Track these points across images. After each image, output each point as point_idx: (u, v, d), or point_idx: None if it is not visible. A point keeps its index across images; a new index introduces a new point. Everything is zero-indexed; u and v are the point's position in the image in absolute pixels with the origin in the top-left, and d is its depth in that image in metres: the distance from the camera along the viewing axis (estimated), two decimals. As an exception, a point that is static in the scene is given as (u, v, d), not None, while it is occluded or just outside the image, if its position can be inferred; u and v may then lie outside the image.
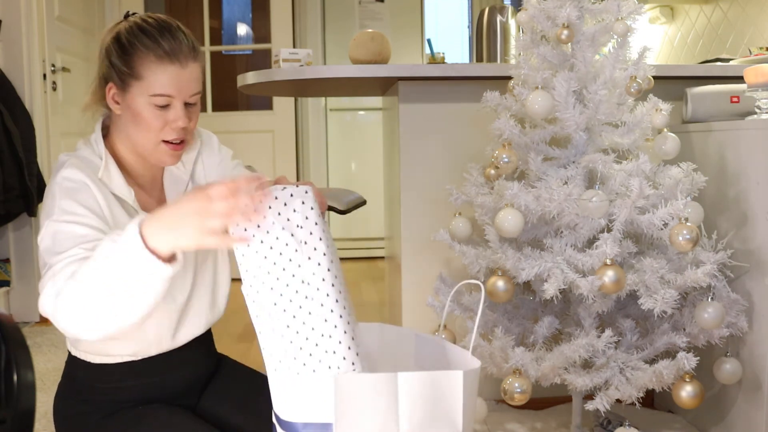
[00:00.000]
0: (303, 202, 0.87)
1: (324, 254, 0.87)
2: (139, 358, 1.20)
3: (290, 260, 0.85)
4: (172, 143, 1.16)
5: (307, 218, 0.87)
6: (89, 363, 1.21)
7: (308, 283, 0.85)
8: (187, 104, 1.15)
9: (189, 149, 1.28)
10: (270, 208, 0.86)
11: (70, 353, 1.26)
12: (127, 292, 0.91)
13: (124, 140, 1.19)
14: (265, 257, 0.86)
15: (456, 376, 0.87)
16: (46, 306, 0.97)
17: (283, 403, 0.85)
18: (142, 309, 0.93)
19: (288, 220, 0.86)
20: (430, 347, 1.07)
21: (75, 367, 1.25)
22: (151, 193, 1.25)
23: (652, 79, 1.69)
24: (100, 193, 1.12)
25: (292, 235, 0.85)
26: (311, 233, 0.87)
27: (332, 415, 0.81)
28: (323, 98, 4.69)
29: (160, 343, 1.20)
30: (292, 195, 0.87)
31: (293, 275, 0.86)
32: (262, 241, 0.86)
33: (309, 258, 0.86)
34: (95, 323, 0.94)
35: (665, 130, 1.68)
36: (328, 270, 0.86)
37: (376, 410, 0.82)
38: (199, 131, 1.32)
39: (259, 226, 0.86)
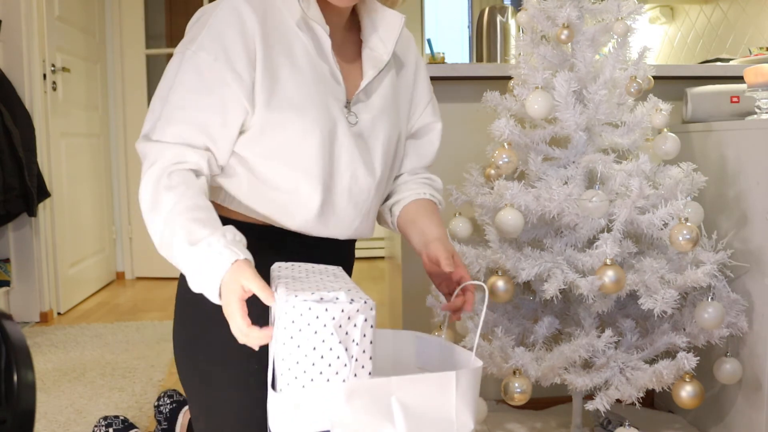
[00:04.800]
0: (366, 319, 0.87)
1: (369, 373, 0.88)
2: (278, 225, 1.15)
3: (337, 373, 0.86)
4: None
5: (364, 335, 0.87)
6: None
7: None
8: None
9: (386, 24, 1.19)
10: (334, 318, 0.85)
11: None
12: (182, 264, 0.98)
13: None
14: (305, 355, 0.86)
15: (449, 378, 0.88)
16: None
17: (278, 419, 0.86)
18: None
19: (346, 333, 0.86)
20: (432, 349, 1.07)
21: None
22: (340, 56, 1.17)
23: (652, 79, 1.69)
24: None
25: (346, 349, 0.86)
26: (364, 351, 0.87)
27: (328, 424, 0.82)
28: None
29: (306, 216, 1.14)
30: (358, 311, 0.87)
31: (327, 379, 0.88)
32: (314, 348, 0.86)
33: (355, 375, 0.87)
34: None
35: (665, 130, 1.68)
36: None
37: (371, 416, 0.83)
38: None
39: (316, 332, 0.86)
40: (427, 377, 0.88)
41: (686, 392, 1.56)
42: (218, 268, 0.93)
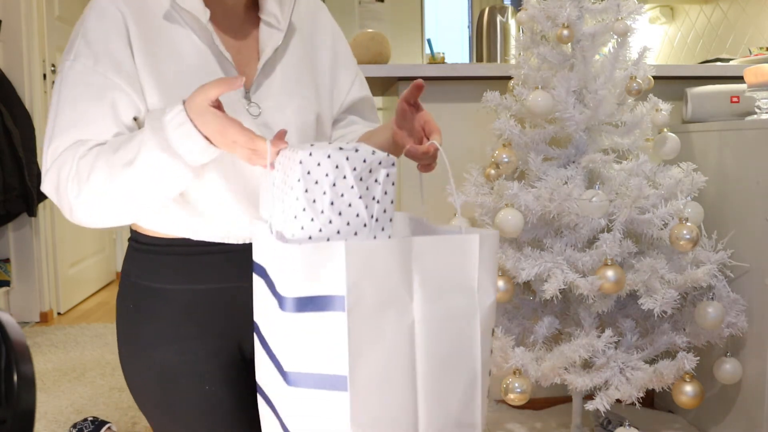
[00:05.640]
0: (388, 175, 0.79)
1: (389, 237, 0.80)
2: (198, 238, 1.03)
3: (356, 234, 0.78)
4: None
5: (386, 193, 0.80)
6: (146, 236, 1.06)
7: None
8: None
9: None
10: (355, 170, 0.77)
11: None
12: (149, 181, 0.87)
13: None
14: (321, 211, 0.77)
15: (472, 240, 0.80)
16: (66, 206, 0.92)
17: (283, 276, 0.75)
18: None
19: (367, 189, 0.78)
20: (425, 229, 0.97)
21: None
22: (236, 38, 1.05)
23: (652, 79, 1.69)
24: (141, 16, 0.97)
25: (366, 207, 0.78)
26: (385, 211, 0.80)
27: (343, 286, 0.72)
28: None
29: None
30: (380, 163, 0.79)
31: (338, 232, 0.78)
32: (332, 202, 0.77)
33: (375, 237, 0.79)
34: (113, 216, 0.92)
35: (665, 130, 1.68)
36: None
37: (388, 278, 0.75)
38: None
39: (335, 185, 0.77)
40: (450, 239, 0.80)
41: (686, 392, 1.56)
42: (180, 121, 0.83)
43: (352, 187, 0.77)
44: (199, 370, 1.01)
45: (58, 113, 0.95)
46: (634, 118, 1.65)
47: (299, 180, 0.76)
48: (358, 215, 0.78)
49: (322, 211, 0.76)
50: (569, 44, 1.66)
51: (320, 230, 0.77)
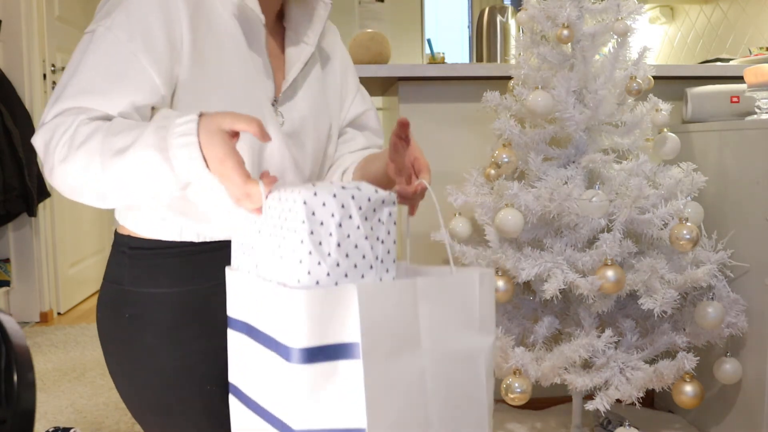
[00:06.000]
0: (390, 214, 0.77)
1: (392, 279, 0.78)
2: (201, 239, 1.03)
3: (363, 276, 0.75)
4: None
5: (389, 233, 0.77)
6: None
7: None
8: None
9: (314, 16, 1.09)
10: (360, 209, 0.74)
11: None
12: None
13: None
14: (328, 254, 0.73)
15: (473, 279, 0.80)
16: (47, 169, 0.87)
17: (289, 325, 0.71)
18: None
19: (371, 229, 0.76)
20: (414, 272, 0.94)
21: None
22: (270, 50, 1.06)
23: (652, 79, 1.69)
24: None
25: (371, 247, 0.76)
26: (389, 252, 0.77)
27: (357, 332, 0.69)
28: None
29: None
30: (383, 202, 0.77)
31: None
32: (339, 244, 0.74)
33: (381, 279, 0.77)
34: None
35: (665, 130, 1.68)
36: None
37: (399, 321, 0.73)
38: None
39: (341, 225, 0.74)
40: (453, 278, 0.79)
41: (686, 392, 1.56)
42: (187, 131, 0.79)
43: (358, 227, 0.74)
44: (200, 372, 1.01)
45: (75, 75, 0.91)
46: (634, 118, 1.65)
47: (303, 222, 0.72)
48: (364, 257, 0.75)
49: (329, 254, 0.73)
50: (569, 44, 1.66)
51: (328, 274, 0.73)
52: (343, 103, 1.20)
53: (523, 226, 1.57)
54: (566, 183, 1.59)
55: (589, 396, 1.60)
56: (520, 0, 1.74)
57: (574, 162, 1.65)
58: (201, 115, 0.81)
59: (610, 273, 1.48)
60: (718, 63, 2.34)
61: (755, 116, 1.77)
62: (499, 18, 2.83)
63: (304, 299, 0.69)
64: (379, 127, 1.24)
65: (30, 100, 3.18)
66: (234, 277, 0.83)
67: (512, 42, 2.81)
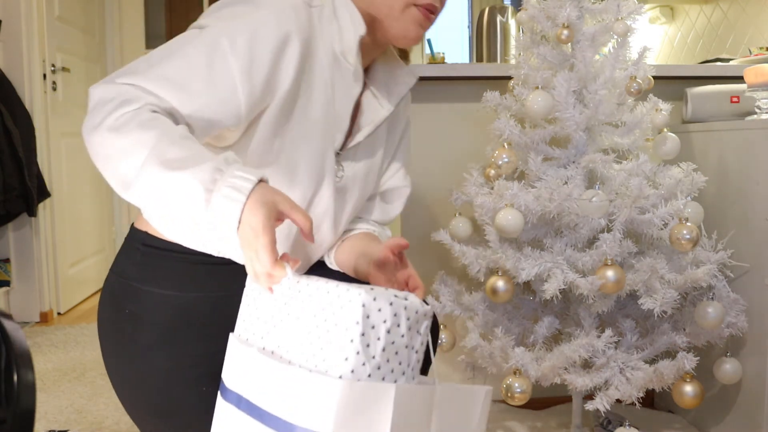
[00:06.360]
0: (427, 326, 0.80)
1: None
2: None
3: (395, 382, 0.79)
4: (424, 8, 0.98)
5: (422, 344, 0.81)
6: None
7: None
8: None
9: (399, 82, 1.08)
10: (408, 319, 0.78)
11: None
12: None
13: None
14: (373, 356, 0.76)
15: (480, 392, 0.86)
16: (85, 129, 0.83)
17: (320, 412, 0.74)
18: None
19: (411, 338, 0.79)
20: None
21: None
22: None
23: (652, 79, 1.69)
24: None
25: (408, 355, 0.79)
26: (419, 361, 0.81)
27: (387, 428, 0.74)
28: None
29: None
30: (425, 315, 0.80)
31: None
32: (384, 349, 0.77)
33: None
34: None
35: (665, 130, 1.68)
36: None
37: (418, 425, 0.78)
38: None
39: (389, 332, 0.76)
40: (465, 389, 0.85)
41: (686, 392, 1.56)
42: (240, 188, 0.77)
43: (403, 335, 0.77)
44: (195, 373, 1.01)
45: (167, 60, 0.87)
46: (634, 118, 1.65)
47: (358, 322, 0.75)
48: (400, 363, 0.78)
49: (374, 357, 0.76)
50: (569, 44, 1.66)
51: (369, 375, 0.75)
52: (388, 170, 1.19)
53: (523, 226, 1.57)
54: (566, 183, 1.59)
55: (589, 396, 1.60)
56: (520, 0, 1.74)
57: (574, 162, 1.65)
58: (260, 181, 0.79)
59: (610, 273, 1.47)
60: (718, 63, 2.34)
61: (755, 116, 1.77)
62: (499, 18, 2.83)
63: (344, 389, 0.72)
64: (399, 210, 1.22)
65: (30, 100, 3.18)
66: (240, 349, 0.85)
67: (512, 42, 2.81)
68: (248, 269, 0.81)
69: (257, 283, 0.82)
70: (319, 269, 1.14)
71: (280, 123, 0.95)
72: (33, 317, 3.26)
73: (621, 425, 1.63)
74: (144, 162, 0.80)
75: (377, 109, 1.07)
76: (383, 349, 0.76)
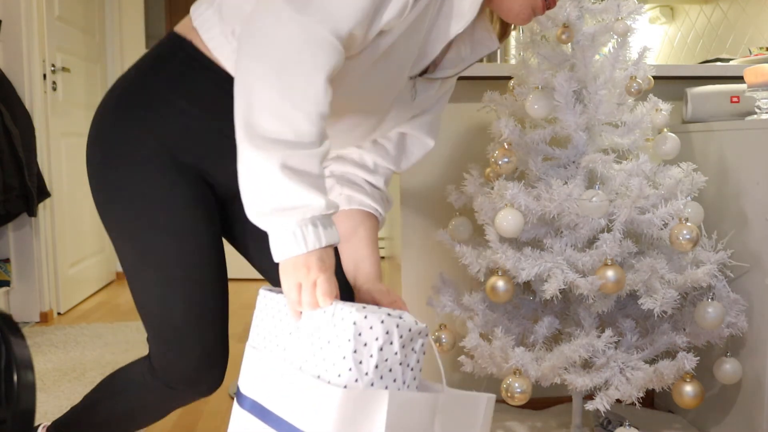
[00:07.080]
0: (422, 344, 0.83)
1: None
2: None
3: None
4: None
5: (417, 362, 0.83)
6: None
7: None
8: None
9: (483, 45, 1.12)
10: (401, 337, 0.80)
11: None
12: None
13: None
14: (366, 373, 0.78)
15: (482, 399, 0.88)
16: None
17: (317, 417, 0.77)
18: None
19: (405, 356, 0.81)
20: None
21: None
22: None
23: (652, 79, 1.69)
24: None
25: (402, 372, 0.81)
26: (414, 378, 0.83)
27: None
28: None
29: None
30: (419, 333, 0.82)
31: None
32: (377, 366, 0.79)
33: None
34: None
35: (665, 130, 1.68)
36: None
37: (417, 429, 0.80)
38: None
39: (382, 349, 0.79)
40: (467, 396, 0.86)
41: (686, 392, 1.56)
42: (324, 221, 0.83)
43: (396, 353, 0.79)
44: (187, 196, 1.01)
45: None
46: (634, 119, 1.65)
47: (349, 340, 0.77)
48: (395, 380, 0.80)
49: (367, 373, 0.78)
50: (569, 44, 1.66)
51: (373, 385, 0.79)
52: (421, 116, 1.22)
53: (523, 226, 1.57)
54: (566, 183, 1.59)
55: (589, 396, 1.60)
56: (520, 0, 1.74)
57: (574, 162, 1.65)
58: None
59: (610, 273, 1.48)
60: (718, 63, 2.34)
61: (755, 116, 1.77)
62: (499, 18, 2.83)
63: (339, 396, 0.75)
64: (416, 156, 1.24)
65: (30, 100, 3.18)
66: (255, 355, 0.89)
67: (512, 42, 2.81)
68: (290, 295, 0.84)
69: (290, 307, 0.85)
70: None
71: (384, 36, 0.96)
72: (33, 317, 3.26)
73: (621, 425, 1.63)
74: (279, 146, 0.81)
75: (458, 64, 1.12)
76: (376, 366, 0.78)
